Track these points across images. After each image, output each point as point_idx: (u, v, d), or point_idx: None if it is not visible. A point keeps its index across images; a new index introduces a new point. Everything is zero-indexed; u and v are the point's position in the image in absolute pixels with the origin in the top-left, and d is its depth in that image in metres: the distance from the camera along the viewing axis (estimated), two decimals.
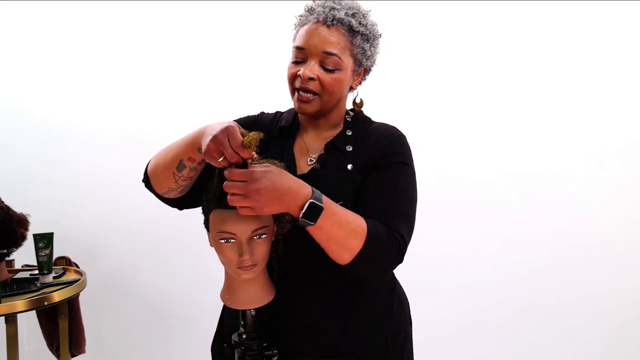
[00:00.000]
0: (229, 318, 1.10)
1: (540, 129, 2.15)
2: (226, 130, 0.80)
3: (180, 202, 1.06)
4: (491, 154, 2.17)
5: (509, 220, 2.16)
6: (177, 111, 2.24)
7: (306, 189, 0.85)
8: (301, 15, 1.06)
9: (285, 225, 0.97)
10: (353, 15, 1.01)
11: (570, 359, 2.18)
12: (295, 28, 1.07)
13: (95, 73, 2.25)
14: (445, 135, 2.16)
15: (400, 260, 0.96)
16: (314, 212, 0.84)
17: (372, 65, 1.11)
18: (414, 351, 1.15)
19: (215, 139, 0.80)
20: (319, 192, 0.87)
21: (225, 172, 0.82)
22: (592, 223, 2.14)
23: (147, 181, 1.03)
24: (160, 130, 2.23)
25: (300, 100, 1.02)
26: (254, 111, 1.22)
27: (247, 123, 1.15)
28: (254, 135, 0.81)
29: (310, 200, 0.83)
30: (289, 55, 1.06)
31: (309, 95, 1.01)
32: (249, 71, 2.19)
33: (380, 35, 1.08)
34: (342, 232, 0.87)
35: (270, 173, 0.82)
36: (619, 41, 2.10)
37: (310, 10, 1.04)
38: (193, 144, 0.89)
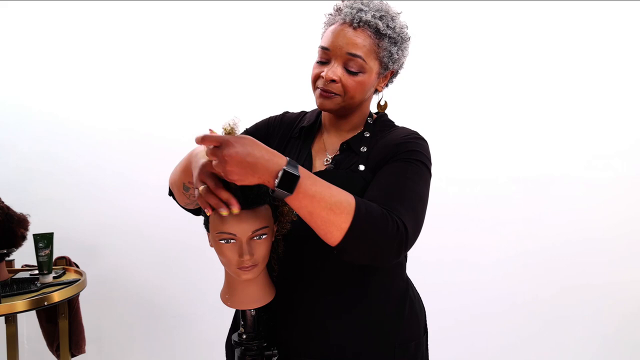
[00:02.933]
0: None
1: (541, 131, 2.16)
2: (207, 170, 0.83)
3: (201, 211, 1.06)
4: (493, 155, 2.17)
5: (510, 218, 2.17)
6: (178, 112, 2.24)
7: (280, 158, 0.81)
8: (330, 15, 1.05)
9: (286, 225, 0.97)
10: (381, 17, 0.99)
11: (570, 352, 2.19)
12: (324, 27, 1.06)
13: (96, 73, 2.25)
14: (449, 137, 2.16)
15: (401, 250, 0.87)
16: (288, 180, 0.79)
17: (399, 68, 1.09)
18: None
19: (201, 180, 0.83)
20: (295, 162, 0.82)
21: (197, 138, 0.79)
22: (592, 221, 2.15)
23: (172, 195, 1.06)
24: (161, 131, 2.23)
25: (321, 97, 1.01)
26: (257, 114, 1.22)
27: (259, 129, 1.16)
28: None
29: (284, 168, 0.79)
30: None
31: (330, 93, 1.01)
32: (254, 72, 2.19)
33: (409, 38, 1.06)
34: (325, 204, 0.82)
35: (245, 140, 0.80)
36: (620, 43, 2.11)
37: (338, 11, 1.03)
38: (187, 170, 0.90)
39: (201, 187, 0.82)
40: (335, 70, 0.99)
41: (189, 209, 1.05)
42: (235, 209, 0.82)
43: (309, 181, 0.82)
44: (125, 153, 2.25)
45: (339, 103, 1.01)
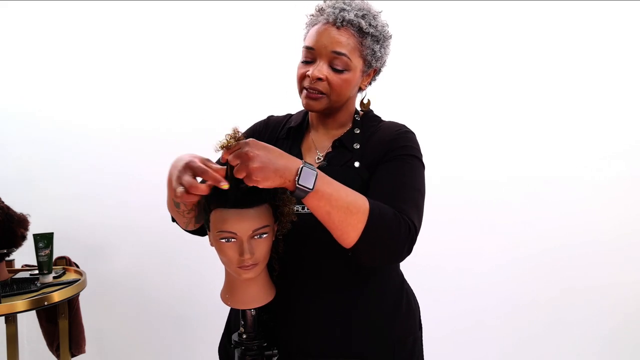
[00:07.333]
0: (235, 318, 1.10)
1: (540, 131, 2.15)
2: (185, 169, 0.82)
3: (203, 231, 1.06)
4: (492, 156, 2.17)
5: (510, 220, 2.17)
6: (178, 112, 2.24)
7: (297, 159, 0.84)
8: (312, 15, 1.06)
9: (286, 225, 0.97)
10: (363, 16, 1.01)
11: (572, 354, 2.18)
12: (306, 27, 1.07)
13: (96, 73, 2.25)
14: (447, 137, 2.16)
15: (411, 248, 0.92)
16: (308, 177, 0.82)
17: (382, 66, 1.10)
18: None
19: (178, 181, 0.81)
20: (310, 164, 0.85)
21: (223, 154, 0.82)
22: (592, 223, 2.15)
23: (175, 221, 1.05)
24: (160, 130, 2.23)
25: (308, 97, 1.02)
26: (258, 113, 1.22)
27: (249, 134, 1.15)
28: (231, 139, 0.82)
29: (303, 165, 0.82)
30: (295, 56, 1.06)
31: (316, 92, 1.01)
32: (252, 71, 2.19)
33: (391, 36, 1.07)
34: (342, 203, 0.84)
35: (264, 143, 0.83)
36: (621, 43, 2.10)
37: (320, 11, 1.04)
38: (170, 185, 0.88)
39: (179, 190, 0.80)
40: (321, 69, 1.00)
41: (191, 230, 1.03)
42: (225, 184, 0.81)
43: (325, 180, 0.85)
44: (125, 153, 2.25)
45: (326, 103, 1.03)
